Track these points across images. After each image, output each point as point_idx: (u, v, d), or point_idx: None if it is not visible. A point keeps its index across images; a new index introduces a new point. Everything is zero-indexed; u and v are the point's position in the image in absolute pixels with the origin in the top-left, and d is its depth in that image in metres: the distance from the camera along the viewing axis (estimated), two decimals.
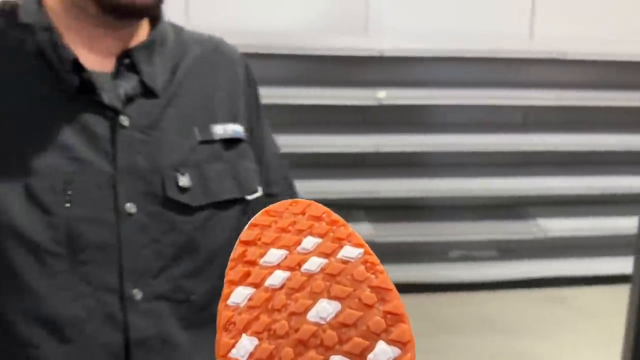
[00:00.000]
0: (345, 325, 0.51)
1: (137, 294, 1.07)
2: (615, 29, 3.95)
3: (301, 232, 0.55)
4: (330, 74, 3.85)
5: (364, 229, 3.62)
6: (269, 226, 0.57)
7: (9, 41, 1.07)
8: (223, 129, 1.17)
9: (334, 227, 0.56)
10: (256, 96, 1.30)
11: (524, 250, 4.02)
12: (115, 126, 1.06)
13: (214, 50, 1.25)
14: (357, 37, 3.85)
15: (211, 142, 1.16)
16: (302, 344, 0.51)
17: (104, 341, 1.07)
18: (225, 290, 0.54)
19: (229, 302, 0.54)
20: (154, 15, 1.17)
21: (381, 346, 0.51)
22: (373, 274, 0.53)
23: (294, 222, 0.56)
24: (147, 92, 1.11)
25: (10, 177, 1.02)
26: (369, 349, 0.51)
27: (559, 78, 3.92)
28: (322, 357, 0.51)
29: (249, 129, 1.24)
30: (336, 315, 0.52)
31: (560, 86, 3.83)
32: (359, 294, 0.52)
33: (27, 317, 1.04)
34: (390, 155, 3.70)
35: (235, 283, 0.54)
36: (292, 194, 1.34)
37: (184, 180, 1.10)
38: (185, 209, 1.10)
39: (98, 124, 1.05)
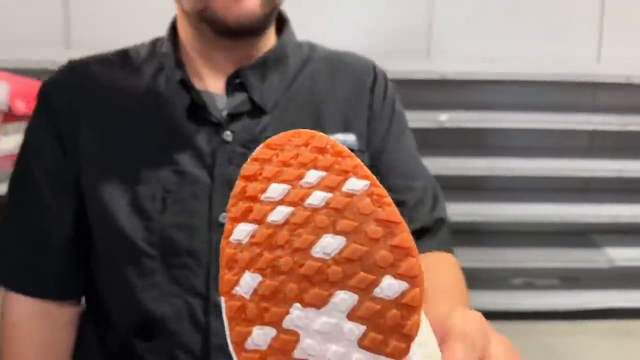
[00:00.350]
0: (350, 260, 0.49)
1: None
2: None
3: (304, 165, 0.53)
4: None
5: None
6: (270, 160, 0.55)
7: (149, 68, 1.23)
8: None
9: (339, 159, 0.53)
10: (386, 105, 1.32)
11: (589, 279, 3.91)
12: (218, 141, 1.16)
13: (338, 62, 1.33)
14: (420, 60, 3.84)
15: None
16: (307, 280, 0.50)
17: (185, 341, 1.15)
18: (227, 227, 0.53)
19: (231, 239, 0.52)
20: (278, 30, 1.29)
21: (388, 280, 0.49)
22: (380, 206, 0.51)
23: (297, 155, 0.54)
24: (256, 108, 1.20)
25: (121, 185, 1.16)
26: (375, 283, 0.49)
27: (625, 102, 3.83)
28: (327, 292, 0.49)
29: (365, 138, 1.27)
30: (341, 251, 0.50)
31: (626, 111, 3.74)
32: (364, 228, 0.50)
33: (123, 310, 1.18)
34: (451, 178, 3.65)
35: (237, 220, 0.53)
36: (430, 205, 1.31)
37: None
38: None
39: (203, 140, 1.17)
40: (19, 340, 1.21)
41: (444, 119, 3.52)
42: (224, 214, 1.13)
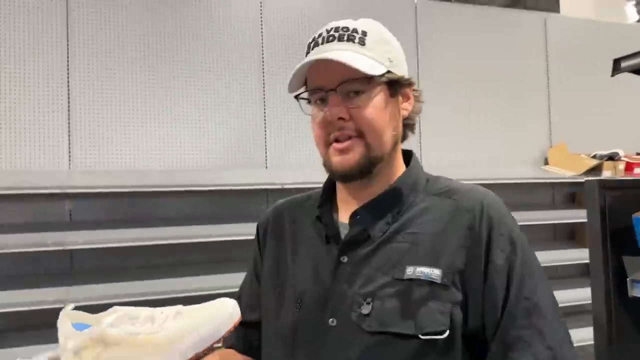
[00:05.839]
0: None
1: None
2: None
3: None
4: None
5: None
6: None
7: (315, 205, 1.67)
8: (413, 271, 1.45)
9: None
10: (484, 244, 1.45)
11: None
12: (337, 262, 1.53)
13: (447, 198, 1.55)
14: None
15: (402, 280, 1.45)
16: None
17: None
18: None
19: None
20: (392, 175, 1.61)
21: None
22: None
23: None
24: (367, 238, 1.53)
25: (274, 286, 1.64)
26: None
27: None
28: None
29: (453, 274, 1.43)
30: None
31: None
32: None
33: None
34: None
35: None
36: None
37: (365, 309, 1.45)
38: (362, 332, 1.44)
39: (329, 260, 1.55)
40: None
41: None
42: (331, 318, 1.48)
